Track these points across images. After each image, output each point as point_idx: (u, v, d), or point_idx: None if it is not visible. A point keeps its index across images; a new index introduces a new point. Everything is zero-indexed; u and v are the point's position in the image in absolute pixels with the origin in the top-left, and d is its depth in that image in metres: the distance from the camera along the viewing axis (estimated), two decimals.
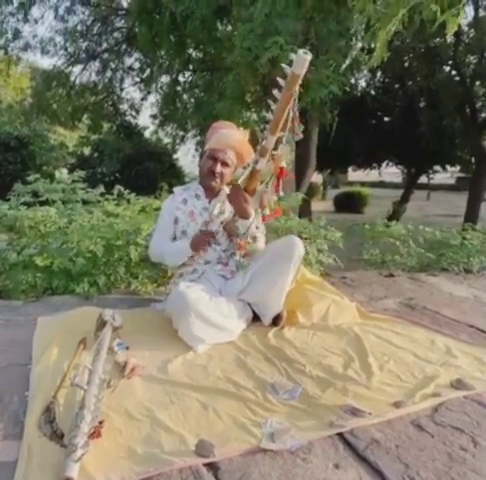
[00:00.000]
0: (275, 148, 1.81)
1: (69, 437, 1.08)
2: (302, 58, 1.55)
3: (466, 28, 7.72)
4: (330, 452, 1.15)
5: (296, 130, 1.73)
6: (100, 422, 1.15)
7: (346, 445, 1.18)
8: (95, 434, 1.11)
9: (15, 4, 8.37)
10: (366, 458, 1.12)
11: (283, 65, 1.63)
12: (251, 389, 1.42)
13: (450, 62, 8.48)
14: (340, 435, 1.21)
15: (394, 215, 10.12)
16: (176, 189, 2.21)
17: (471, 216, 8.36)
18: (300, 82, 1.62)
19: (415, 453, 1.15)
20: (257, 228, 1.98)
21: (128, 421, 1.24)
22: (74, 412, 1.18)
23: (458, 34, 7.18)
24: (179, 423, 1.24)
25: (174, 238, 2.13)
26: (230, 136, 2.02)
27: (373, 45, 3.38)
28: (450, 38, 6.49)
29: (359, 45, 4.60)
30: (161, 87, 11.21)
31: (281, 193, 1.88)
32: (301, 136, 1.75)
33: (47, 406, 1.24)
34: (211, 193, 2.10)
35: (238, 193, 1.90)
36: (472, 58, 8.53)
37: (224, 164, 2.03)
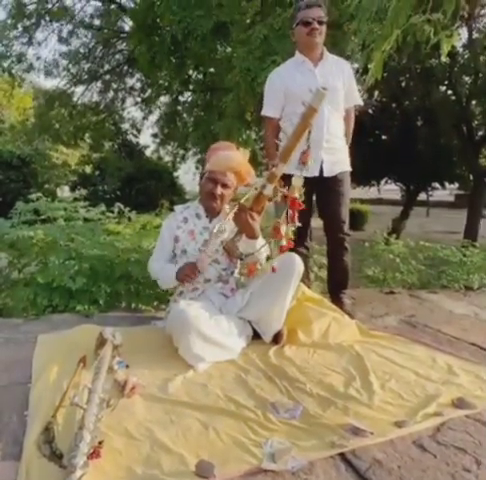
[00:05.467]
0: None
1: (68, 457, 1.07)
2: (320, 94, 1.60)
3: (461, 49, 7.89)
4: (332, 473, 1.13)
5: (306, 163, 1.77)
6: (100, 442, 1.14)
7: (348, 466, 1.16)
8: (94, 454, 1.10)
9: (20, 28, 8.57)
10: (368, 479, 1.11)
11: (303, 100, 1.68)
12: (251, 408, 1.41)
13: (446, 82, 8.64)
14: (342, 455, 1.20)
15: (394, 232, 10.14)
16: (177, 208, 2.24)
17: (470, 233, 8.38)
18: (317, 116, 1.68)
19: (418, 474, 1.14)
20: (268, 259, 1.97)
21: (128, 441, 1.23)
22: (73, 432, 1.17)
23: (453, 55, 7.34)
24: (179, 443, 1.23)
25: (174, 256, 2.15)
26: (230, 158, 2.04)
27: (369, 66, 3.46)
28: (445, 59, 6.65)
29: (355, 66, 4.69)
30: (161, 107, 11.41)
31: (298, 223, 1.88)
32: (308, 169, 1.79)
33: (46, 426, 1.23)
34: (212, 213, 2.13)
35: (244, 213, 1.92)
36: (467, 78, 8.69)
37: (224, 186, 2.05)
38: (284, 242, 1.86)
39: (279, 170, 1.81)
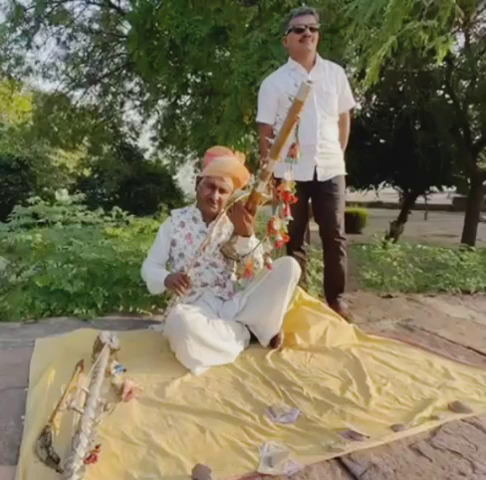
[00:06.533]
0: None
1: (65, 462, 1.07)
2: (306, 86, 1.62)
3: (458, 54, 7.94)
4: (328, 477, 1.14)
5: (295, 156, 1.77)
6: (96, 446, 1.15)
7: (344, 470, 1.17)
8: (91, 458, 1.10)
9: (19, 31, 8.58)
10: None
11: (287, 93, 1.69)
12: (249, 412, 1.42)
13: (443, 86, 8.67)
14: (338, 459, 1.20)
15: (392, 235, 10.15)
16: (174, 212, 2.24)
17: (468, 236, 8.40)
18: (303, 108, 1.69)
19: (414, 478, 1.14)
20: (267, 254, 1.96)
21: (125, 445, 1.23)
22: (70, 436, 1.17)
23: (450, 60, 7.37)
24: (176, 447, 1.23)
25: (171, 260, 2.15)
26: (226, 163, 2.05)
27: (366, 70, 3.49)
28: (442, 63, 6.69)
29: (352, 70, 4.73)
30: (160, 110, 11.43)
31: (290, 217, 1.87)
32: (297, 162, 1.79)
33: (43, 430, 1.23)
34: (209, 216, 2.14)
35: (240, 211, 1.93)
36: (464, 83, 8.73)
37: (222, 191, 2.07)
38: (280, 237, 1.85)
39: (270, 166, 1.82)
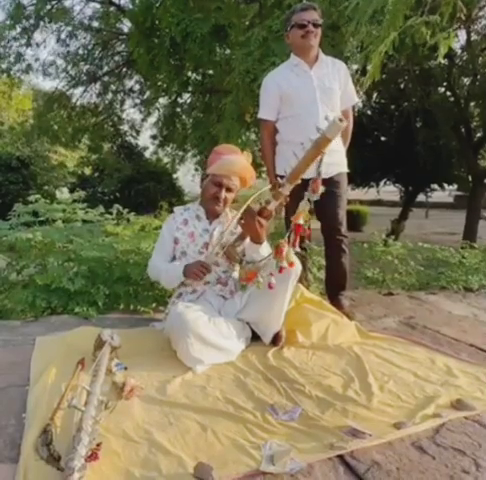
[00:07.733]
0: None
1: (66, 460, 1.06)
2: (337, 125, 1.56)
3: (459, 51, 7.91)
4: (330, 475, 1.13)
5: (317, 192, 1.76)
6: (97, 444, 1.14)
7: (346, 468, 1.16)
8: (92, 457, 1.10)
9: (18, 29, 8.56)
10: None
11: (318, 126, 1.65)
12: (250, 410, 1.41)
13: (444, 84, 8.65)
14: (340, 457, 1.20)
15: (393, 233, 10.14)
16: (177, 209, 2.23)
17: (469, 234, 8.39)
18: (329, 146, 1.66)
19: (417, 476, 1.13)
20: (271, 274, 1.88)
21: (126, 443, 1.23)
22: (71, 434, 1.17)
23: (451, 57, 7.35)
24: (177, 445, 1.23)
25: (174, 258, 2.14)
26: (234, 162, 2.03)
27: (367, 67, 3.47)
28: (444, 60, 6.66)
29: (354, 67, 4.71)
30: (160, 108, 11.42)
31: (297, 248, 1.83)
32: (318, 198, 1.78)
33: (44, 428, 1.23)
34: (212, 215, 2.12)
35: (253, 218, 1.86)
36: (466, 80, 8.71)
37: (228, 190, 2.06)
38: (285, 264, 1.80)
39: (286, 190, 1.81)
